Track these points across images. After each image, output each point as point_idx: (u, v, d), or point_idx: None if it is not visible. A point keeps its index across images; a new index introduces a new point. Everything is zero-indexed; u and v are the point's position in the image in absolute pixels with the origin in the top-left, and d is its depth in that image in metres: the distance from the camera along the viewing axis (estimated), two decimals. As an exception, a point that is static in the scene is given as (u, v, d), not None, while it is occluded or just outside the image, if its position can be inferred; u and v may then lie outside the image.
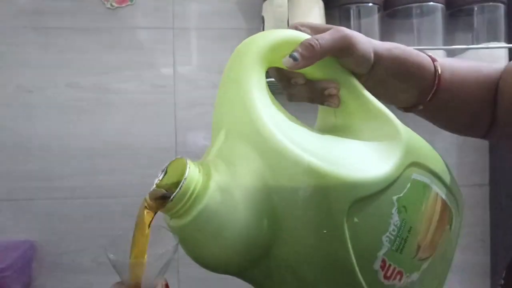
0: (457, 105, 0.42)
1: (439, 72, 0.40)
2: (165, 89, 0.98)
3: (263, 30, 0.89)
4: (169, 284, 0.32)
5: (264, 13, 0.90)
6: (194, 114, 0.99)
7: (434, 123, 0.46)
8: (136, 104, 0.97)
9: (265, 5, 0.90)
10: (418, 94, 0.41)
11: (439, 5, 0.92)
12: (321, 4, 0.90)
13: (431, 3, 0.91)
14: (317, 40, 0.33)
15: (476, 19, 0.95)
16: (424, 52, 0.41)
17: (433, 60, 0.40)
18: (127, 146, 0.97)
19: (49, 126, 0.95)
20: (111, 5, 0.96)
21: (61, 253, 0.96)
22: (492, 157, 1.06)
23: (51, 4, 0.95)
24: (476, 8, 0.95)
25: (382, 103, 0.37)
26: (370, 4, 0.91)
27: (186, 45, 0.99)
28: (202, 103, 0.99)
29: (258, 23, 0.95)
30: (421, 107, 0.42)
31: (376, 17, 0.92)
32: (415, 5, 0.91)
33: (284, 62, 0.34)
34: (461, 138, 1.06)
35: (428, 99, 0.41)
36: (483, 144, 1.07)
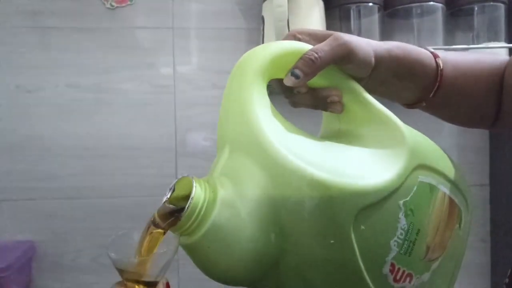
0: (461, 99, 0.42)
1: (441, 67, 0.39)
2: (165, 89, 0.98)
3: (263, 30, 0.89)
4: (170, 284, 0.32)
5: (264, 13, 0.90)
6: (194, 114, 0.99)
7: (438, 117, 0.45)
8: (136, 104, 0.97)
9: (265, 5, 0.90)
10: (421, 91, 0.40)
11: (440, 5, 0.92)
12: (321, 4, 0.89)
13: (431, 2, 0.90)
14: (316, 53, 0.33)
15: (477, 19, 0.95)
16: (426, 48, 0.41)
17: (435, 56, 0.40)
18: (127, 146, 0.97)
19: (49, 126, 0.95)
20: (111, 5, 0.96)
21: (61, 253, 0.96)
22: (493, 157, 1.06)
23: (51, 4, 0.95)
24: (476, 8, 0.95)
25: (385, 102, 0.37)
26: (370, 4, 0.91)
27: (186, 45, 0.98)
28: (202, 103, 0.99)
29: (258, 23, 0.95)
30: (424, 103, 0.41)
31: (376, 17, 0.92)
32: (415, 5, 0.91)
33: (286, 82, 0.34)
34: (461, 138, 1.06)
35: (431, 95, 0.40)
36: (484, 144, 1.07)
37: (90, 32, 0.96)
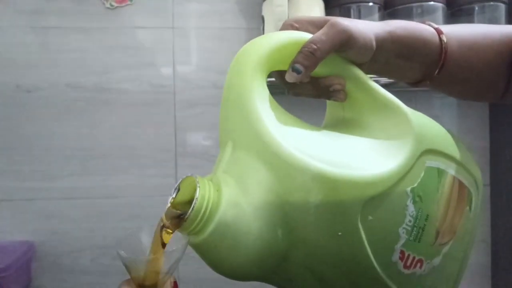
0: (468, 74, 0.40)
1: (445, 44, 0.38)
2: (165, 89, 0.98)
3: (263, 29, 0.89)
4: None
5: (264, 13, 0.90)
6: (194, 114, 0.99)
7: (445, 93, 0.44)
8: (136, 104, 0.97)
9: (265, 4, 0.89)
10: (425, 69, 0.39)
11: (440, 4, 0.92)
12: (321, 4, 0.89)
13: (432, 2, 0.90)
14: (315, 44, 0.33)
15: (477, 19, 0.95)
16: (429, 24, 0.39)
17: (439, 32, 0.39)
18: (127, 146, 0.97)
19: (49, 126, 0.95)
20: (111, 4, 0.96)
21: (60, 253, 0.96)
22: (493, 157, 1.06)
23: (51, 4, 0.95)
24: (476, 8, 0.95)
25: (390, 89, 0.37)
26: (371, 4, 0.91)
27: (185, 44, 0.98)
28: (202, 103, 0.99)
29: (258, 23, 0.95)
30: (428, 82, 0.40)
31: (376, 16, 0.92)
32: (415, 4, 0.91)
33: (289, 78, 0.33)
34: (462, 138, 1.05)
35: (436, 72, 0.39)
36: (484, 144, 1.07)
37: (90, 32, 0.96)
